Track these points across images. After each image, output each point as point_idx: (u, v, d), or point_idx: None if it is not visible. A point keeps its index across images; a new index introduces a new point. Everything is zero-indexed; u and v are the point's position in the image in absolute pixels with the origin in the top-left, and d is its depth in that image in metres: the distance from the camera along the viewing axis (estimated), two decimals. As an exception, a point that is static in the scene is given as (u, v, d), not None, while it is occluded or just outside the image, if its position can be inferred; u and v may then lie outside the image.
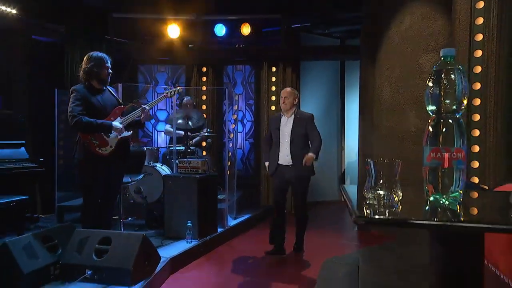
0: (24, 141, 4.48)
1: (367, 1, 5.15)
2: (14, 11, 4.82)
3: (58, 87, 4.88)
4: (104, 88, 3.28)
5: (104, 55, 3.24)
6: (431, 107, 1.08)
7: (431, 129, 1.06)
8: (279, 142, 3.95)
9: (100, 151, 3.12)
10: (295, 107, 3.96)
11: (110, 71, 3.25)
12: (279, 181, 3.97)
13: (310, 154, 3.79)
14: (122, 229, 3.96)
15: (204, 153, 5.85)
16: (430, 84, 1.07)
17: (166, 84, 6.46)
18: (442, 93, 1.04)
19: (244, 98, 6.61)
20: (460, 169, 1.02)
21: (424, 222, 0.91)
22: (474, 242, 1.00)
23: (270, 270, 3.71)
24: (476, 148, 3.03)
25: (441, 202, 1.02)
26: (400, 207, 1.03)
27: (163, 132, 6.31)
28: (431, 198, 1.04)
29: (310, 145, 3.90)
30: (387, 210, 0.98)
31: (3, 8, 4.72)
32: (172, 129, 5.02)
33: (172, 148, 4.95)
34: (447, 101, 1.04)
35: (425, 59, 4.22)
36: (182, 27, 5.77)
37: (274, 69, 6.26)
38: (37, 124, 5.03)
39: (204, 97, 6.42)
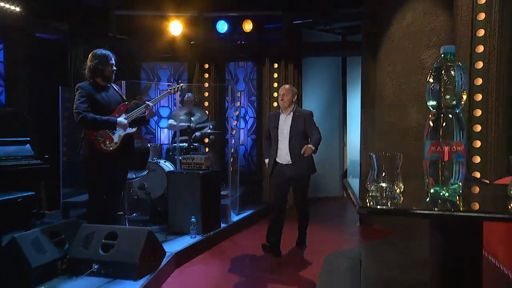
0: (29, 138, 4.51)
1: (367, 1, 5.10)
2: (17, 9, 4.85)
3: (62, 85, 4.92)
4: (109, 85, 3.32)
5: (108, 52, 3.27)
6: (431, 103, 1.11)
7: (431, 124, 1.09)
8: (278, 140, 3.85)
9: (105, 147, 3.16)
10: (294, 104, 3.84)
11: (115, 68, 3.29)
12: (279, 180, 3.87)
13: (310, 145, 3.65)
14: (127, 225, 4.00)
15: (207, 149, 5.89)
16: (431, 80, 1.10)
17: (168, 81, 6.49)
18: (442, 89, 1.08)
19: (246, 95, 6.63)
20: (459, 162, 1.05)
21: (425, 211, 0.95)
22: (473, 231, 1.03)
23: (273, 264, 3.75)
24: (478, 143, 3.05)
25: (441, 194, 1.06)
26: (402, 198, 1.06)
27: (165, 128, 6.35)
28: (432, 190, 1.08)
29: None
30: (389, 201, 1.02)
31: (7, 6, 4.75)
32: (175, 123, 5.04)
33: (175, 144, 4.98)
34: (447, 97, 1.08)
35: (427, 55, 4.23)
36: (184, 24, 5.80)
37: (276, 65, 6.26)
38: (41, 121, 5.06)
39: (206, 94, 6.45)
